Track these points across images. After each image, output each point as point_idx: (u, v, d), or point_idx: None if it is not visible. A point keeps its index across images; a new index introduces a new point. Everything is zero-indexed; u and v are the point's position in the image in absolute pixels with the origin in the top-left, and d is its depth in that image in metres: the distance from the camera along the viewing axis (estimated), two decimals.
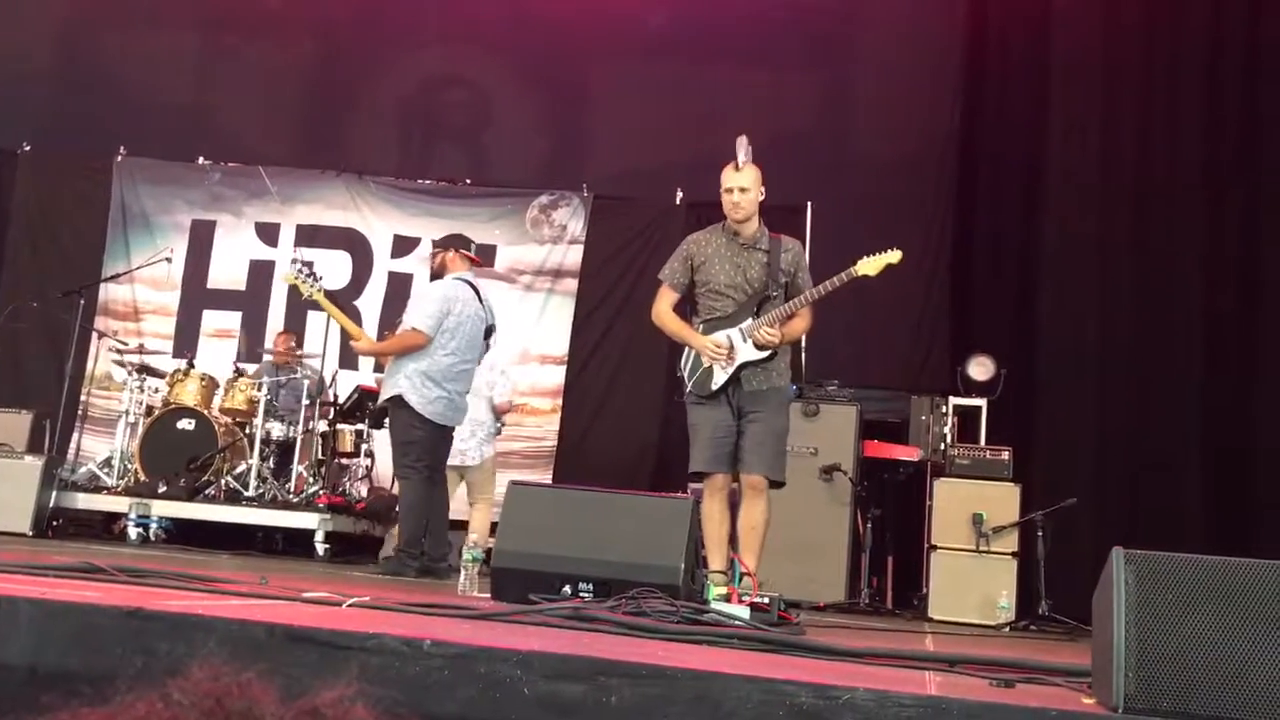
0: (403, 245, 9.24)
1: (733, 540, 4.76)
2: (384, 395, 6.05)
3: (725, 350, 4.69)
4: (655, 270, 8.63)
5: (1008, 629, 5.92)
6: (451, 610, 3.02)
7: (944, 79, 8.80)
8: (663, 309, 4.95)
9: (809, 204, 8.28)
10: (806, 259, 4.92)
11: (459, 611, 3.02)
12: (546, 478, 8.37)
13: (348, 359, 8.88)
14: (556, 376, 8.76)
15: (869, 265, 4.72)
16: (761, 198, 4.85)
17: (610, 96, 9.44)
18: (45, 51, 9.78)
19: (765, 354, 4.70)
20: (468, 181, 9.33)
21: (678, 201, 8.91)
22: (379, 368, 8.97)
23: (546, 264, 8.99)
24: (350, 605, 2.98)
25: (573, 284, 8.98)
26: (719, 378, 4.73)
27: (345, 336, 7.11)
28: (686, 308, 5.01)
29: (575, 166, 9.33)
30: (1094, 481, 7.28)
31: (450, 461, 6.37)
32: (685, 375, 4.88)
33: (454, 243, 6.40)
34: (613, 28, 9.35)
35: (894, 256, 4.73)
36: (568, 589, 3.78)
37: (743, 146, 4.82)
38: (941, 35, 8.86)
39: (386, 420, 6.12)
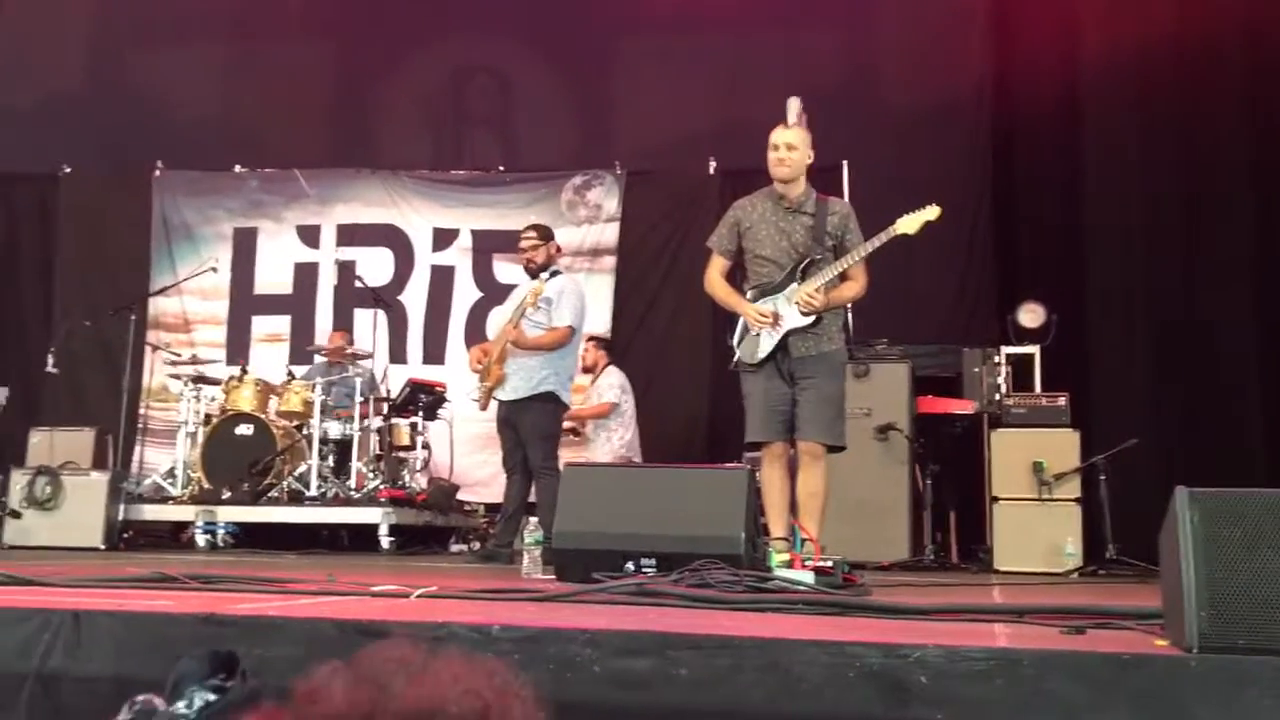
0: (443, 238, 9.30)
1: (793, 507, 4.75)
2: (527, 390, 6.03)
3: (770, 317, 4.66)
4: (694, 242, 8.72)
5: (1076, 575, 5.87)
6: (517, 594, 3.06)
7: (972, 21, 8.67)
8: (712, 277, 4.92)
9: (844, 163, 8.20)
10: (855, 221, 4.82)
11: (525, 595, 3.05)
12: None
13: (397, 354, 8.97)
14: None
15: (908, 223, 4.65)
16: (809, 160, 4.80)
17: (635, 71, 9.40)
18: (76, 74, 9.90)
19: (810, 319, 4.66)
20: (501, 169, 9.36)
21: (711, 171, 8.88)
22: (430, 360, 9.10)
23: (584, 244, 9.01)
24: (418, 596, 3.02)
25: (612, 262, 8.99)
26: (765, 345, 4.70)
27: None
28: (738, 274, 4.98)
29: (606, 145, 9.31)
30: (1154, 422, 7.16)
31: None
32: (734, 344, 4.86)
33: (551, 234, 6.46)
34: (631, 2, 9.31)
35: (932, 213, 4.66)
36: (630, 566, 3.80)
37: (793, 107, 4.80)
38: None
39: (499, 413, 6.14)
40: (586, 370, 7.81)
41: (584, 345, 7.45)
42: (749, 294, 4.82)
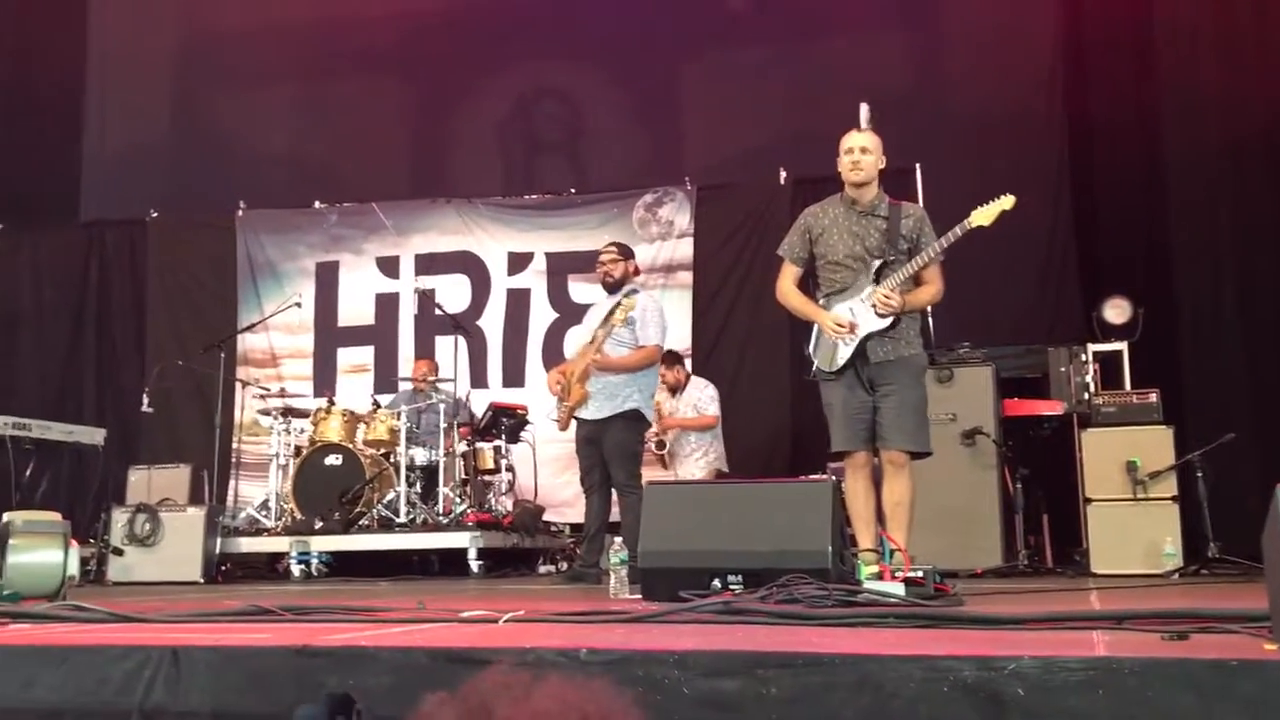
0: (517, 261, 9.40)
1: (879, 517, 4.69)
2: (611, 408, 6.04)
3: (846, 325, 4.61)
4: (767, 253, 8.64)
5: (1177, 576, 5.68)
6: (605, 616, 3.06)
7: (1042, 14, 8.53)
8: (785, 286, 4.87)
9: (917, 165, 8.12)
10: (929, 224, 4.75)
11: (612, 617, 3.05)
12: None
13: (478, 378, 9.07)
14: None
15: (983, 215, 4.58)
16: (882, 165, 4.76)
17: (702, 86, 9.43)
18: (159, 120, 10.25)
19: (887, 322, 4.60)
20: (572, 191, 9.43)
21: (782, 181, 8.84)
22: (510, 383, 9.18)
23: (658, 261, 9.03)
24: (507, 621, 3.03)
25: (687, 277, 9.00)
26: (843, 353, 4.65)
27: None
28: (810, 282, 4.93)
29: (675, 161, 9.34)
30: (1251, 416, 6.95)
31: None
32: (811, 353, 4.81)
33: (632, 253, 6.52)
34: (695, 16, 9.34)
35: (1007, 202, 4.58)
36: (717, 583, 3.77)
37: (864, 112, 4.76)
38: None
39: (581, 431, 6.14)
40: (671, 390, 7.80)
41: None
42: (822, 300, 4.77)
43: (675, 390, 7.87)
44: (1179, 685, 1.92)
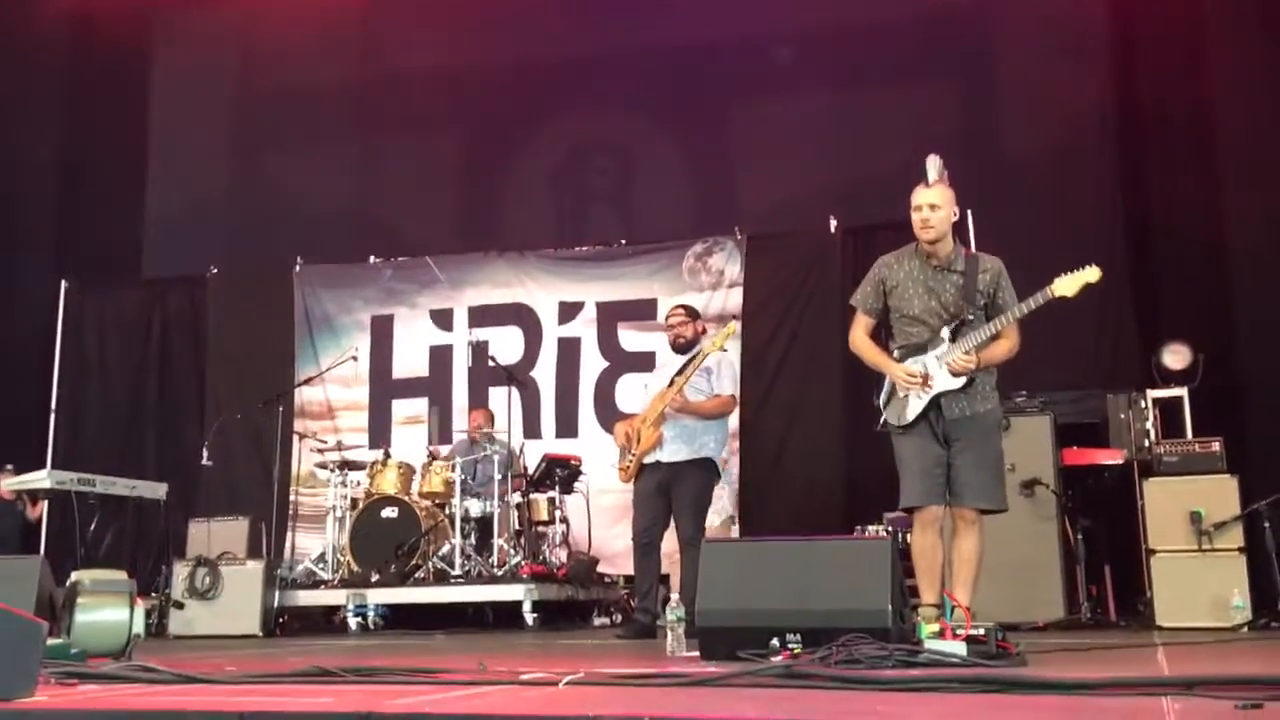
0: (568, 311, 9.47)
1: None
2: (689, 452, 6.04)
3: (919, 379, 4.53)
4: (819, 302, 8.71)
5: (1246, 629, 5.57)
6: (665, 679, 3.05)
7: (1091, 55, 8.53)
8: (857, 336, 4.79)
9: (969, 212, 8.07)
10: (1007, 278, 4.65)
11: (673, 679, 3.04)
12: (732, 525, 8.38)
13: (531, 429, 9.11)
14: (731, 422, 8.70)
15: (1066, 285, 4.43)
16: (955, 217, 4.62)
17: (751, 134, 9.48)
18: (218, 178, 10.50)
19: (961, 382, 4.50)
20: (623, 242, 9.50)
21: (833, 229, 8.85)
22: (563, 433, 9.21)
23: (709, 311, 9.01)
24: (567, 684, 3.04)
25: (737, 327, 8.98)
26: (914, 406, 4.56)
27: None
28: (884, 333, 4.85)
29: (725, 210, 9.37)
30: None
31: None
32: (881, 404, 4.72)
33: (699, 314, 6.58)
34: (742, 67, 9.41)
35: (1093, 275, 4.42)
36: (775, 642, 3.76)
37: (934, 164, 4.64)
38: (1081, 9, 8.60)
39: (652, 479, 6.07)
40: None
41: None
42: (896, 353, 4.68)
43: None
44: None
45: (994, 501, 4.56)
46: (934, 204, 4.57)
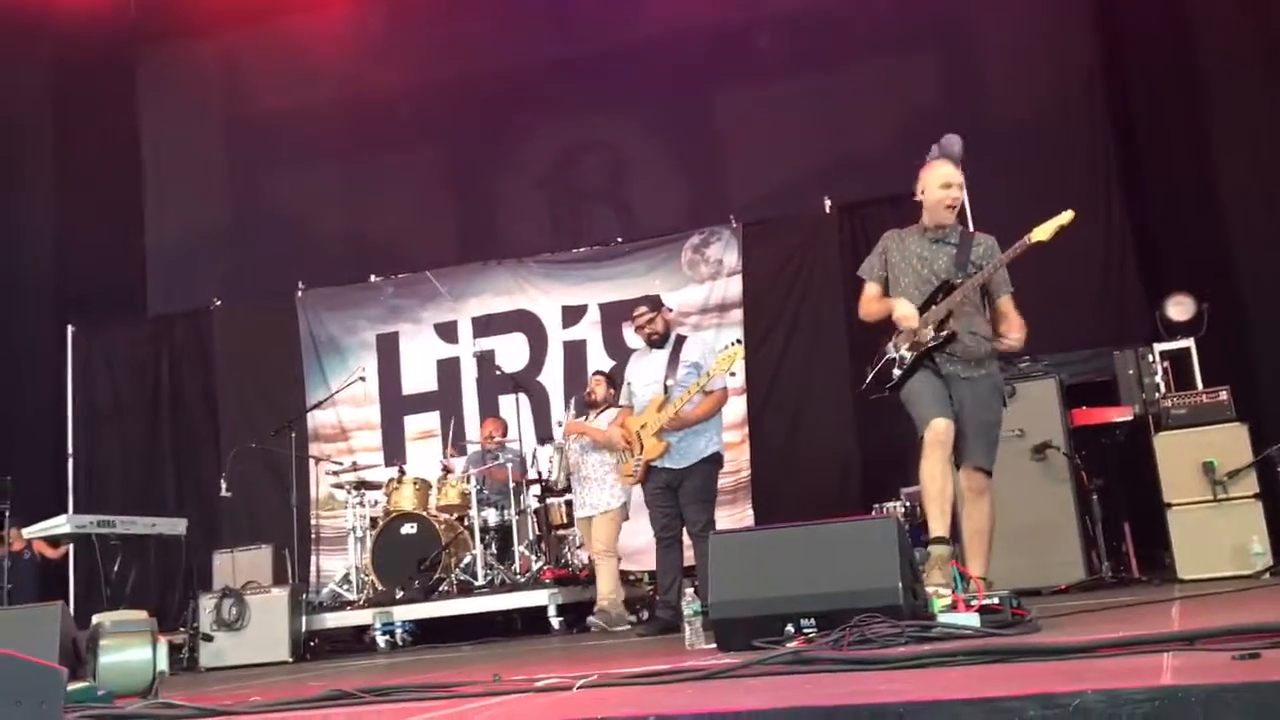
0: (571, 315, 9.50)
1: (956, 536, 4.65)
2: (696, 455, 6.10)
3: (915, 318, 4.64)
4: (819, 283, 8.72)
5: (1267, 575, 5.54)
6: (675, 676, 3.06)
7: (1072, 10, 8.48)
8: (865, 299, 4.93)
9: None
10: (1000, 252, 4.73)
11: (683, 675, 3.05)
12: (746, 510, 8.39)
13: (542, 433, 9.14)
14: (739, 408, 8.73)
15: (1042, 230, 4.56)
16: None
17: (738, 122, 9.49)
18: (213, 212, 10.58)
19: (943, 336, 4.62)
20: (619, 240, 9.52)
21: (827, 209, 8.85)
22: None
23: (710, 301, 9.06)
24: (580, 687, 3.05)
25: (739, 314, 9.01)
26: (906, 356, 4.72)
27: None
28: None
29: (719, 199, 9.40)
30: None
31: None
32: (870, 370, 4.86)
33: (660, 301, 6.61)
34: (725, 54, 9.41)
35: (1065, 217, 4.55)
36: (790, 628, 3.76)
37: (957, 144, 4.75)
38: None
39: (668, 478, 6.14)
40: (591, 407, 7.37)
41: (590, 381, 7.50)
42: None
43: (596, 407, 7.37)
44: (1249, 713, 1.88)
45: (991, 461, 4.69)
46: (961, 183, 4.75)
